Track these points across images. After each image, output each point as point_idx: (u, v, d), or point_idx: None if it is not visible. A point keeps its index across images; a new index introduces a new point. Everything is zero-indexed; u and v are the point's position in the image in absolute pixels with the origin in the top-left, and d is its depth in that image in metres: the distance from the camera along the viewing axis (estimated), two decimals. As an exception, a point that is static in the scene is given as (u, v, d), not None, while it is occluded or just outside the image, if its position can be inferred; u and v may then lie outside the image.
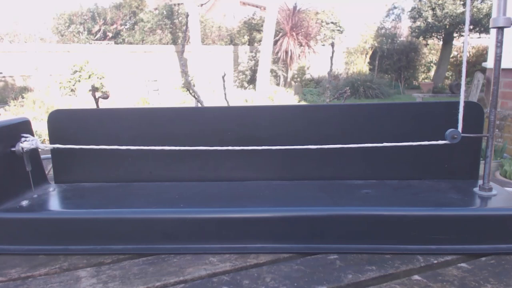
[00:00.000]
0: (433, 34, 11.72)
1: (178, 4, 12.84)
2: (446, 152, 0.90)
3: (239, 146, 0.90)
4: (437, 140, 0.82)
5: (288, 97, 9.74)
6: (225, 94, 2.08)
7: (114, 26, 12.95)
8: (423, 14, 11.12)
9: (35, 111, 6.91)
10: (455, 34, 11.59)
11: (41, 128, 4.75)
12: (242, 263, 0.73)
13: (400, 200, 0.84)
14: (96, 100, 1.70)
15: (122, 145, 0.90)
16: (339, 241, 0.77)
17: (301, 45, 11.70)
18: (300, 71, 12.00)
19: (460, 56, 12.99)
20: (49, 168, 1.04)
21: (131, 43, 12.40)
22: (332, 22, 13.80)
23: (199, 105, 1.99)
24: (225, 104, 2.04)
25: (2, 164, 0.85)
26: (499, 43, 0.76)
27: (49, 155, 1.00)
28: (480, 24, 10.44)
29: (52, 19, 13.05)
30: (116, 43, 12.62)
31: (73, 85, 9.28)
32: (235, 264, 0.72)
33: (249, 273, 0.69)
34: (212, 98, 7.64)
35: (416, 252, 0.74)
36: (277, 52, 11.55)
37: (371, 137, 0.90)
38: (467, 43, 0.83)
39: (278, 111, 0.99)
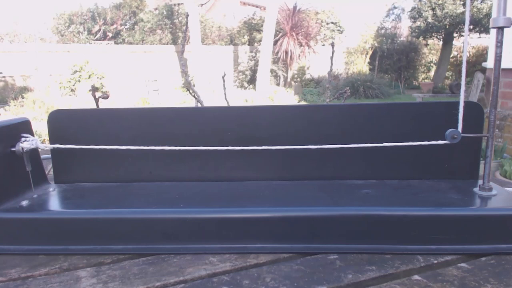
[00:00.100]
0: (433, 34, 11.72)
1: (178, 4, 12.85)
2: (446, 152, 0.90)
3: (239, 146, 0.90)
4: (437, 140, 0.82)
5: (288, 97, 9.74)
6: (225, 94, 2.08)
7: (114, 26, 12.95)
8: (423, 14, 11.12)
9: (35, 111, 6.91)
10: (455, 34, 11.59)
11: (41, 128, 4.76)
12: (242, 263, 0.73)
13: (400, 200, 0.84)
14: (96, 100, 1.70)
15: (122, 145, 0.90)
16: (339, 241, 0.77)
17: (301, 45, 11.70)
18: (300, 71, 12.00)
19: (460, 56, 12.99)
20: (49, 168, 1.04)
21: (131, 43, 12.40)
22: (332, 22, 13.80)
23: (199, 105, 1.99)
24: (225, 104, 2.04)
25: (2, 164, 0.85)
26: (499, 43, 0.76)
27: (49, 155, 1.00)
28: (480, 24, 10.44)
29: (52, 19, 13.06)
30: (116, 43, 12.63)
31: (73, 85, 9.28)
32: (235, 264, 0.72)
33: (249, 273, 0.69)
34: (212, 98, 7.64)
35: (416, 252, 0.74)
36: (277, 52, 11.55)
37: (371, 137, 0.90)
38: (467, 43, 0.83)
39: (278, 111, 0.99)
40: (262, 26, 11.78)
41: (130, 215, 0.80)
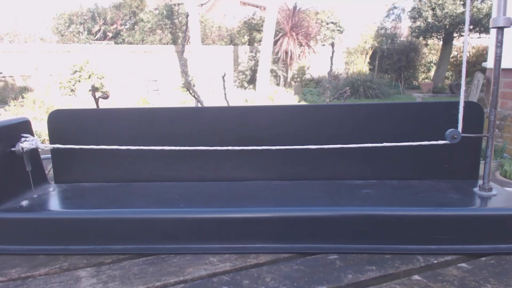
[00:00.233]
0: (433, 34, 11.72)
1: (178, 4, 12.85)
2: (446, 152, 0.90)
3: (239, 146, 0.90)
4: (437, 140, 0.82)
5: (288, 97, 9.74)
6: (225, 94, 2.08)
7: (114, 26, 12.95)
8: (423, 14, 11.12)
9: (35, 111, 6.91)
10: (455, 34, 11.59)
11: (41, 128, 4.76)
12: (242, 263, 0.73)
13: (400, 200, 0.84)
14: (96, 100, 1.70)
15: (122, 145, 0.90)
16: (339, 241, 0.77)
17: (301, 45, 11.70)
18: (300, 71, 12.00)
19: (460, 56, 12.99)
20: (49, 168, 1.04)
21: (131, 43, 12.40)
22: (332, 22, 13.80)
23: (199, 105, 1.99)
24: (225, 104, 2.04)
25: (2, 164, 0.85)
26: (499, 43, 0.76)
27: (49, 155, 1.00)
28: (480, 24, 10.44)
29: (52, 19, 13.05)
30: (116, 43, 12.63)
31: (73, 85, 9.28)
32: (235, 264, 0.72)
33: (249, 273, 0.69)
34: (212, 98, 7.64)
35: (416, 252, 0.74)
36: (277, 52, 11.55)
37: (371, 137, 0.90)
38: (467, 43, 0.83)
39: (278, 111, 0.99)
40: (262, 26, 11.78)
41: (130, 215, 0.80)
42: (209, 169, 0.98)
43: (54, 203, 0.89)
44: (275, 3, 10.61)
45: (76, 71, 9.34)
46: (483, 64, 4.84)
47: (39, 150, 0.93)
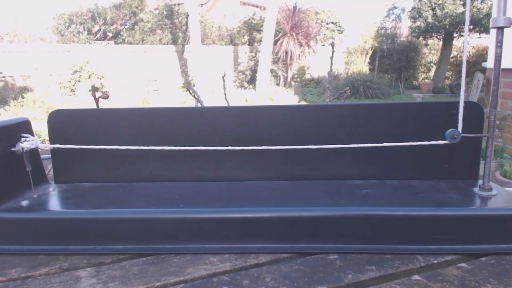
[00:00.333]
0: (433, 34, 11.72)
1: (178, 4, 12.84)
2: (446, 152, 0.90)
3: (239, 146, 0.90)
4: (437, 140, 0.82)
5: (288, 97, 9.74)
6: (225, 94, 2.08)
7: (114, 26, 12.95)
8: (423, 14, 11.12)
9: (35, 111, 6.91)
10: (455, 34, 11.59)
11: (41, 128, 4.76)
12: (242, 263, 0.73)
13: (400, 200, 0.84)
14: (96, 100, 1.70)
15: (122, 145, 0.90)
16: (339, 241, 0.77)
17: (301, 45, 11.70)
18: (300, 71, 12.00)
19: (460, 56, 12.99)
20: (49, 168, 1.04)
21: (131, 43, 12.40)
22: (332, 22, 13.80)
23: (199, 105, 1.99)
24: (225, 104, 2.04)
25: (2, 164, 0.85)
26: (499, 43, 0.76)
27: (49, 155, 1.00)
28: (480, 24, 10.44)
29: (52, 19, 13.05)
30: (116, 43, 12.63)
31: (73, 85, 9.28)
32: (235, 264, 0.72)
33: (249, 273, 0.69)
34: (212, 98, 7.64)
35: (416, 252, 0.74)
36: (277, 52, 11.55)
37: (371, 137, 0.90)
38: (467, 43, 0.83)
39: (278, 111, 0.99)
40: (262, 26, 11.78)
41: (130, 215, 0.80)
42: (209, 169, 0.98)
43: (54, 203, 0.89)
44: (275, 3, 10.61)
45: (76, 71, 9.34)
46: (483, 64, 4.84)
47: (39, 150, 0.93)
